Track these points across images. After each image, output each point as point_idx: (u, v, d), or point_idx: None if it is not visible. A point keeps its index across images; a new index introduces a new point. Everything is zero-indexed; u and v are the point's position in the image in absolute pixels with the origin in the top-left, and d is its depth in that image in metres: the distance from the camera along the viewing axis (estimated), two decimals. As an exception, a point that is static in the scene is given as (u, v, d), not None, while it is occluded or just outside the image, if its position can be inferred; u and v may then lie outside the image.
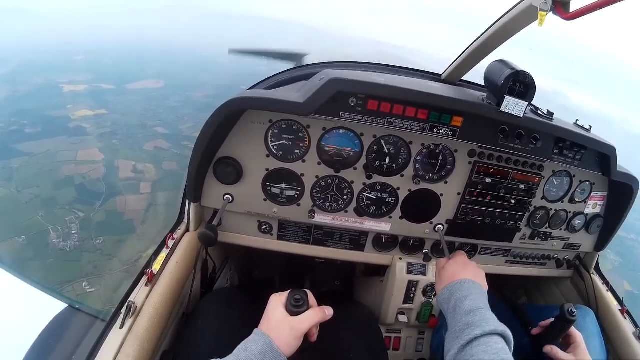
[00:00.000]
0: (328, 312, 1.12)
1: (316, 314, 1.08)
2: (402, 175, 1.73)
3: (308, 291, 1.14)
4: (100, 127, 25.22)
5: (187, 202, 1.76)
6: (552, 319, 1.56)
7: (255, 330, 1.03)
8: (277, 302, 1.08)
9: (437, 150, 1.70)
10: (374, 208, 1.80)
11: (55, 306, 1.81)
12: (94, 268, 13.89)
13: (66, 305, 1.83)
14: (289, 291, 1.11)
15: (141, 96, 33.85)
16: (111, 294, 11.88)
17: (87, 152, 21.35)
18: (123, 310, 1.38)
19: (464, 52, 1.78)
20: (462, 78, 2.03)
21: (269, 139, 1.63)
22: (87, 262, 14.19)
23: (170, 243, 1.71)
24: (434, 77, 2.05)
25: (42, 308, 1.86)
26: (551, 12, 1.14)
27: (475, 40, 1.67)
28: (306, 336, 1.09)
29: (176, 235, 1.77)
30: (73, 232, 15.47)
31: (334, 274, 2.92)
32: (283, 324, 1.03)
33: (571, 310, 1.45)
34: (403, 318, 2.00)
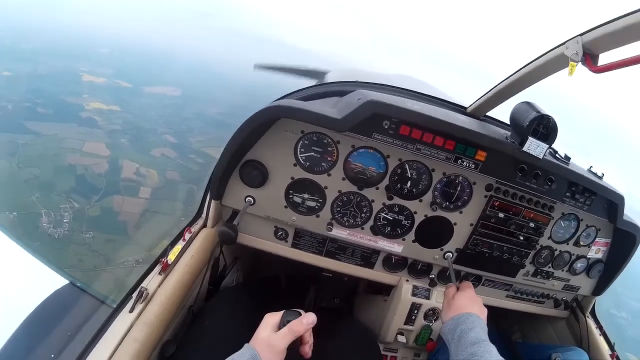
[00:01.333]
0: (306, 320, 1.13)
1: (291, 331, 1.10)
2: (420, 201, 1.85)
3: (302, 311, 1.19)
4: (111, 123, 26.16)
5: (208, 198, 1.86)
6: None
7: (246, 344, 1.10)
8: (268, 321, 1.14)
9: (457, 181, 1.83)
10: (389, 228, 1.92)
11: (56, 281, 1.89)
12: (79, 261, 14.33)
13: (67, 282, 1.91)
14: (282, 312, 1.16)
15: (157, 101, 35.01)
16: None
17: (94, 145, 22.15)
18: (134, 295, 1.46)
19: (492, 89, 1.87)
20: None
21: (299, 149, 1.74)
22: (73, 253, 14.68)
23: (187, 236, 1.79)
24: (460, 109, 2.13)
25: (43, 281, 1.95)
26: (580, 63, 1.22)
27: (503, 80, 1.75)
28: (298, 352, 1.17)
29: (193, 229, 1.86)
30: (65, 220, 16.03)
31: (337, 290, 3.01)
32: (264, 341, 1.08)
33: None
34: (402, 338, 2.14)
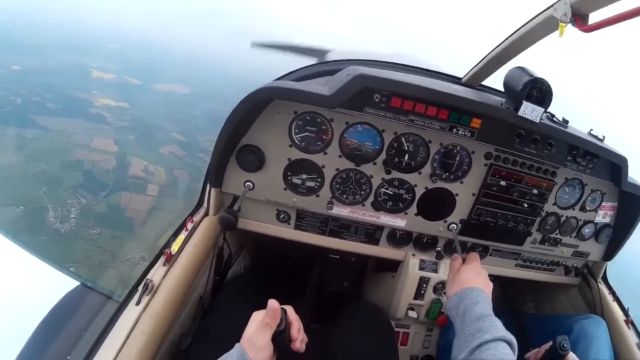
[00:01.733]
0: (270, 306, 1.14)
1: (265, 325, 1.13)
2: (419, 173, 1.88)
3: (288, 307, 1.23)
4: (120, 120, 26.24)
5: (208, 186, 1.91)
6: (545, 349, 1.68)
7: (237, 344, 1.14)
8: (253, 319, 1.18)
9: (455, 151, 1.85)
10: (390, 203, 1.95)
11: (67, 283, 1.94)
12: (85, 257, 14.36)
13: (79, 283, 1.98)
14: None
15: (166, 98, 35.14)
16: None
17: (102, 142, 22.16)
18: (140, 288, 1.50)
19: (484, 57, 1.88)
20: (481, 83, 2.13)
21: (293, 130, 1.77)
22: (79, 249, 14.72)
23: (190, 226, 1.84)
24: (455, 80, 2.14)
25: (54, 284, 2.01)
26: (570, 24, 1.23)
27: (495, 47, 1.76)
28: (288, 346, 1.21)
29: (195, 218, 1.91)
30: (72, 216, 16.06)
31: (345, 273, 3.03)
32: (248, 339, 1.13)
33: (563, 344, 1.56)
34: (413, 314, 2.17)
